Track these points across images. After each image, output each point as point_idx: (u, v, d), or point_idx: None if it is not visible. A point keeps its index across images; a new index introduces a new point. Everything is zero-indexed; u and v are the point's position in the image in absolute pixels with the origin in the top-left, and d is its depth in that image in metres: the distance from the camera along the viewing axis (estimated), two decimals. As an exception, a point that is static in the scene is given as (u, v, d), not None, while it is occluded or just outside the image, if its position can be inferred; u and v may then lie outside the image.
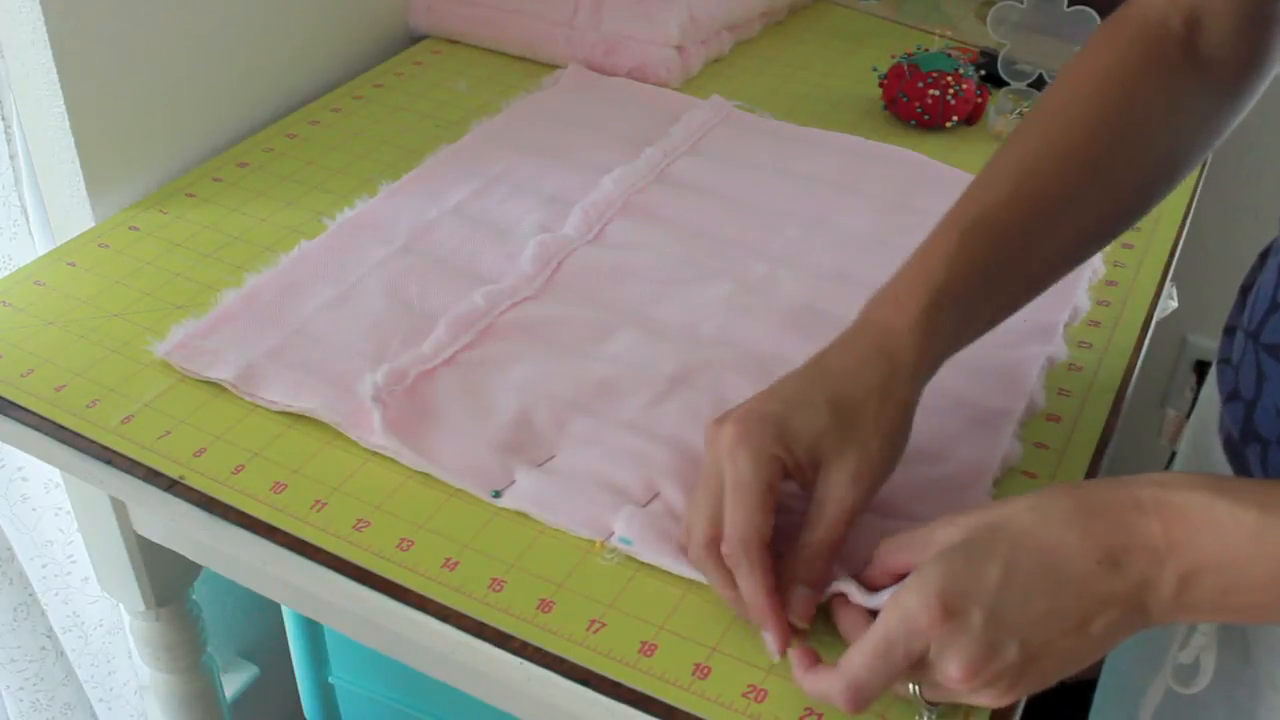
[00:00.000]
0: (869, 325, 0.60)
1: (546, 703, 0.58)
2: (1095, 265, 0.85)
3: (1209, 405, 0.70)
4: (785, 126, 1.04)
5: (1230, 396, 0.62)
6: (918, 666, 0.51)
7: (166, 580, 0.87)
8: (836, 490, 0.57)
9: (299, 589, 0.67)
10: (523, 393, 0.71)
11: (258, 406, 0.71)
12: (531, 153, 0.97)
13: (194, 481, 0.66)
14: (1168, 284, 0.87)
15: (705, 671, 0.56)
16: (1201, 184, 0.99)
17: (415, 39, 1.19)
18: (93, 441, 0.68)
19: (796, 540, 0.57)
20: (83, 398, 0.71)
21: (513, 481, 0.66)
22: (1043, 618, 0.49)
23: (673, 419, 0.70)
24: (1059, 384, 0.75)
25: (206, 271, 0.82)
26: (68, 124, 0.83)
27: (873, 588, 0.56)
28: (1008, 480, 0.68)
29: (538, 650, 0.57)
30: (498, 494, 0.65)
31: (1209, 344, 1.62)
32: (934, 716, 0.53)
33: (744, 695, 0.55)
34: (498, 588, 0.60)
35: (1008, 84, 1.09)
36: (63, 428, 0.69)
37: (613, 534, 0.63)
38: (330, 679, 1.14)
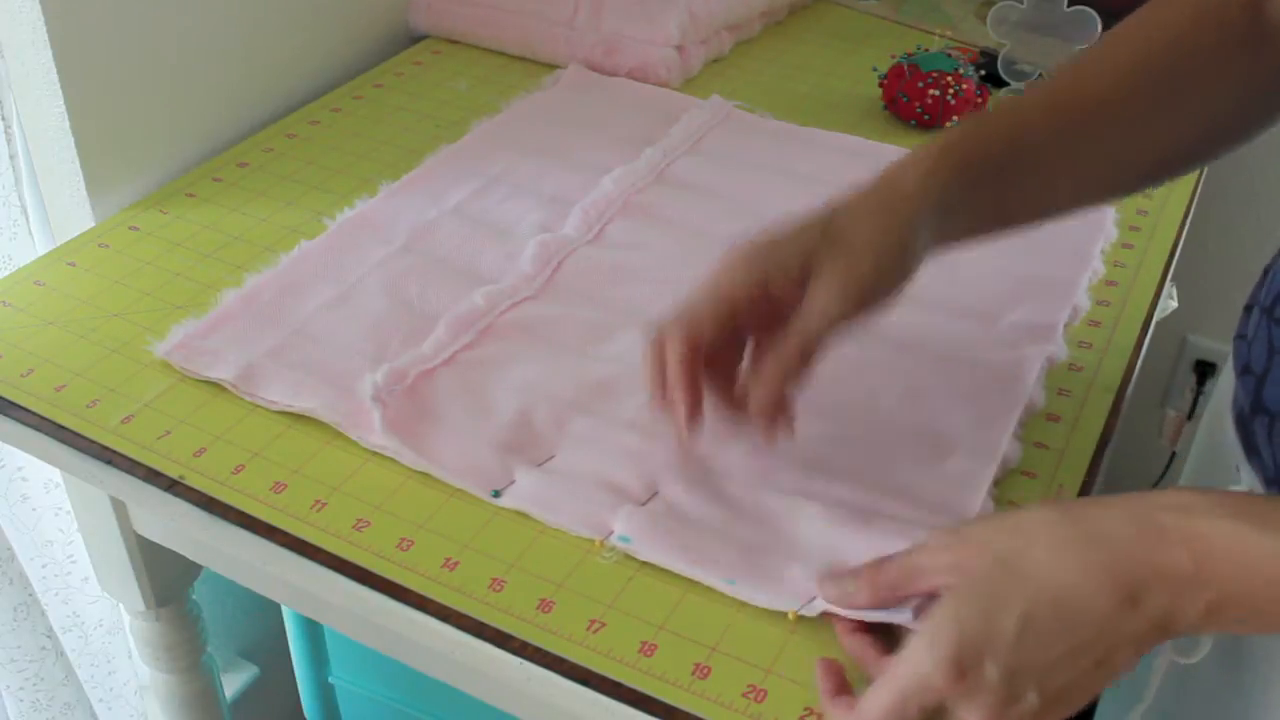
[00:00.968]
0: (878, 175, 0.61)
1: (546, 703, 0.58)
2: (1095, 265, 0.85)
3: (1225, 385, 0.70)
4: (785, 126, 1.04)
5: (1243, 371, 0.62)
6: (936, 712, 0.50)
7: (166, 580, 0.87)
8: (819, 298, 0.58)
9: (299, 589, 0.67)
10: (522, 393, 0.71)
11: (258, 406, 0.71)
12: (531, 153, 0.97)
13: (194, 481, 0.66)
14: (1168, 284, 0.87)
15: (705, 671, 0.56)
16: (1202, 184, 0.99)
17: (415, 39, 1.19)
18: (93, 441, 0.68)
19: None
20: (83, 398, 0.71)
21: (512, 481, 0.66)
22: (1062, 661, 0.48)
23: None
24: (1059, 384, 0.75)
25: (206, 271, 0.82)
26: (68, 124, 0.83)
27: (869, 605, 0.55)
28: (1008, 480, 0.68)
29: (538, 650, 0.57)
30: (497, 494, 0.65)
31: (1209, 344, 1.62)
32: None
33: (744, 695, 0.55)
34: (498, 588, 0.60)
35: (1008, 84, 1.09)
36: (63, 428, 0.69)
37: (612, 533, 0.63)
38: (330, 679, 1.14)
